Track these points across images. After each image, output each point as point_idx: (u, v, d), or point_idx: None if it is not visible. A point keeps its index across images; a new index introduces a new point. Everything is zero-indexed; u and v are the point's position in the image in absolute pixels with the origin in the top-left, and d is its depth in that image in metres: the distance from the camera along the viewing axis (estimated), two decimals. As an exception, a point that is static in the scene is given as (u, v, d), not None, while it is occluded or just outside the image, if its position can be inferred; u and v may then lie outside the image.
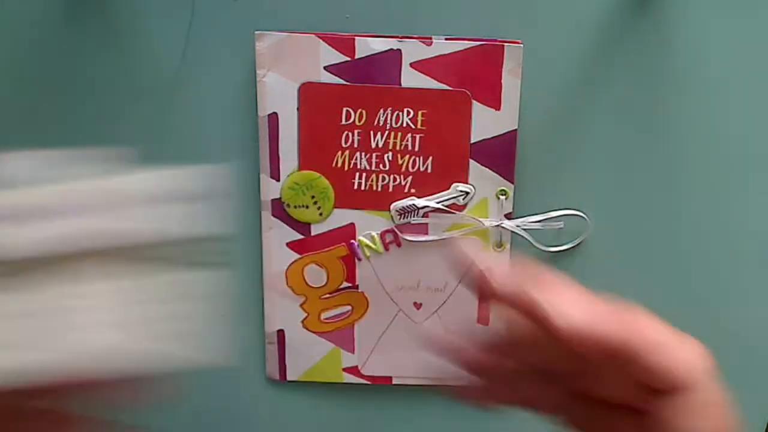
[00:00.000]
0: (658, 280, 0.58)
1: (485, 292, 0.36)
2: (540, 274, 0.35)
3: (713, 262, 0.58)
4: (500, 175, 0.55)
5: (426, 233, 0.56)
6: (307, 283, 0.58)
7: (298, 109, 0.54)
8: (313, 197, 0.56)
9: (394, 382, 0.60)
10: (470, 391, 0.41)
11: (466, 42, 0.52)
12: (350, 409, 0.62)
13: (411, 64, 0.53)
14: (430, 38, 0.53)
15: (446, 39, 0.53)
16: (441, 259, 0.57)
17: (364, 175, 0.55)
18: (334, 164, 0.55)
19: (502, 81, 0.53)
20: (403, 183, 0.55)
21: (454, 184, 0.55)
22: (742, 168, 0.56)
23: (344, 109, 0.54)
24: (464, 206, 0.56)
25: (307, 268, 0.57)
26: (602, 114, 0.55)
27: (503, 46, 0.52)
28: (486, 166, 0.55)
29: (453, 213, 0.56)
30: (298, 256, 0.57)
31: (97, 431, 0.37)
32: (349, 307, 0.58)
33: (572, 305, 0.34)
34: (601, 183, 0.56)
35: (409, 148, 0.54)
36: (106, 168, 0.31)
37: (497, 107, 0.53)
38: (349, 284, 0.58)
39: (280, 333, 0.59)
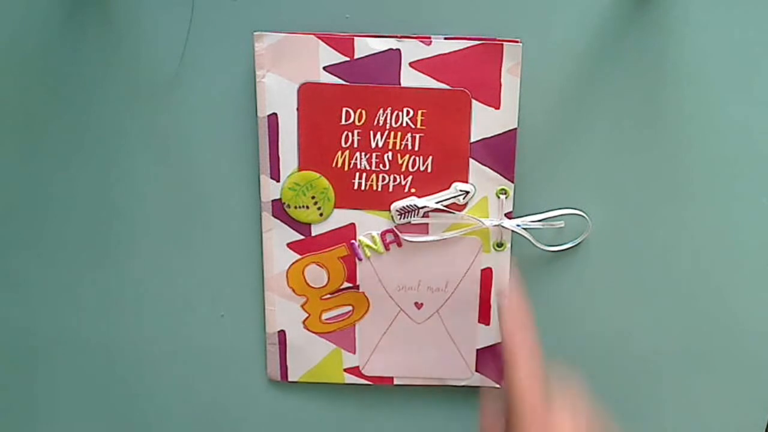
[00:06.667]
0: (658, 280, 0.58)
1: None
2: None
3: (713, 261, 0.57)
4: (500, 174, 0.55)
5: (426, 233, 0.56)
6: (307, 284, 0.58)
7: (297, 109, 0.54)
8: (313, 197, 0.56)
9: (395, 382, 0.60)
10: None
11: (465, 41, 0.52)
12: (351, 410, 0.62)
13: (410, 64, 0.53)
14: (430, 38, 0.53)
15: (445, 38, 0.53)
16: (441, 259, 0.57)
17: (364, 175, 0.55)
18: (334, 164, 0.55)
19: (502, 80, 0.53)
20: (403, 183, 0.55)
21: (454, 184, 0.55)
22: (742, 167, 0.56)
23: (344, 109, 0.54)
24: (464, 206, 0.56)
25: (307, 268, 0.57)
26: (602, 112, 0.55)
27: (502, 45, 0.52)
28: (486, 166, 0.55)
29: (453, 213, 0.56)
30: (299, 256, 0.57)
31: None
32: (350, 308, 0.58)
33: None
34: (601, 182, 0.56)
35: (409, 147, 0.54)
36: None
37: (497, 106, 0.53)
38: (350, 284, 0.58)
39: (281, 334, 0.59)
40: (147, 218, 0.58)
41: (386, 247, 0.57)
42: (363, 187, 0.55)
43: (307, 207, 0.56)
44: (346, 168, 0.55)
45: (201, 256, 0.58)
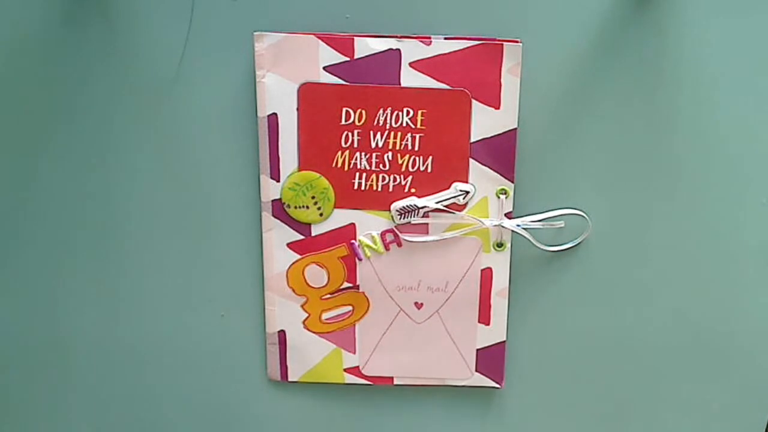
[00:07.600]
0: (657, 280, 0.58)
1: None
2: None
3: (713, 261, 0.57)
4: (500, 174, 0.55)
5: (426, 233, 0.56)
6: (307, 284, 0.58)
7: (297, 109, 0.54)
8: (313, 197, 0.56)
9: (395, 382, 0.60)
10: None
11: (465, 41, 0.52)
12: (351, 410, 0.62)
13: (410, 64, 0.53)
14: (429, 38, 0.53)
15: (445, 38, 0.53)
16: (441, 259, 0.57)
17: (364, 175, 0.55)
18: (334, 164, 0.55)
19: (502, 80, 0.53)
20: (403, 183, 0.55)
21: (454, 184, 0.55)
22: (742, 167, 0.56)
23: (344, 109, 0.54)
24: (464, 206, 0.56)
25: (307, 268, 0.57)
26: (602, 112, 0.55)
27: (502, 45, 0.52)
28: (486, 165, 0.55)
29: (453, 213, 0.56)
30: (299, 256, 0.57)
31: None
32: (350, 308, 0.58)
33: None
34: (601, 182, 0.56)
35: (409, 147, 0.54)
36: None
37: (497, 106, 0.53)
38: (350, 284, 0.58)
39: (281, 334, 0.59)
40: (147, 218, 0.58)
41: (386, 247, 0.57)
42: (363, 187, 0.55)
43: (307, 207, 0.56)
44: (346, 168, 0.55)
45: (201, 256, 0.58)
